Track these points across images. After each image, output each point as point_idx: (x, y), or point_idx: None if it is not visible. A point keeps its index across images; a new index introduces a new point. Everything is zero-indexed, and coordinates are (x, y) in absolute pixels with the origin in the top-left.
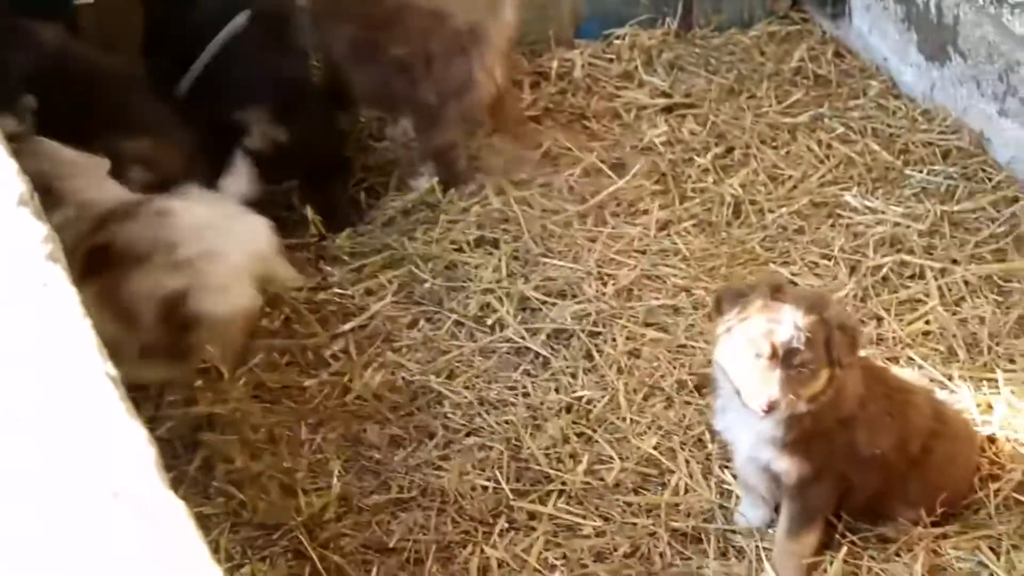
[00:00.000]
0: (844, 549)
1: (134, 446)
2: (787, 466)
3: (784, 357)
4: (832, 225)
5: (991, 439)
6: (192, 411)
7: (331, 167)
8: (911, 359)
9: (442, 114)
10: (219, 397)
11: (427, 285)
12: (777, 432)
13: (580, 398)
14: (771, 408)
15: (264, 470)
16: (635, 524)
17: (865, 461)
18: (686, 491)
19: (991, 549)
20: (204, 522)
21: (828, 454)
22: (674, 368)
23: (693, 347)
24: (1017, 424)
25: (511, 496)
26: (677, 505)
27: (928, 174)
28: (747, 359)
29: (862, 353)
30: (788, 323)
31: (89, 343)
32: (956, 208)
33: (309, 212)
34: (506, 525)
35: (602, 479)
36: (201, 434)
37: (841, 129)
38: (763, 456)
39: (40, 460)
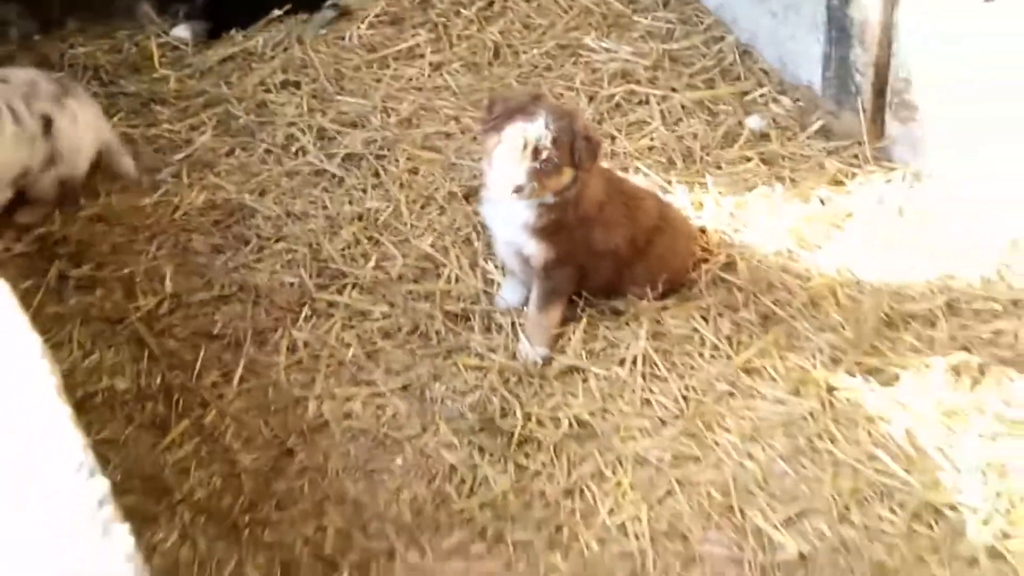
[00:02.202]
0: (584, 320)
1: None
2: (535, 250)
3: (533, 152)
4: (575, 63)
5: (702, 230)
6: (48, 229)
7: None
8: (639, 169)
9: None
10: (71, 217)
11: (241, 121)
12: (528, 219)
13: (369, 209)
14: (517, 191)
15: (108, 276)
16: (415, 308)
17: (601, 253)
18: (456, 280)
19: (702, 317)
20: (60, 319)
21: (570, 245)
22: (446, 182)
23: (461, 164)
24: (721, 218)
25: (313, 289)
26: (449, 292)
27: (652, 20)
28: (505, 152)
29: (604, 165)
30: (540, 124)
31: None
32: (675, 46)
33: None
34: (309, 312)
35: (388, 273)
36: (56, 248)
37: None
38: (517, 240)
39: None
